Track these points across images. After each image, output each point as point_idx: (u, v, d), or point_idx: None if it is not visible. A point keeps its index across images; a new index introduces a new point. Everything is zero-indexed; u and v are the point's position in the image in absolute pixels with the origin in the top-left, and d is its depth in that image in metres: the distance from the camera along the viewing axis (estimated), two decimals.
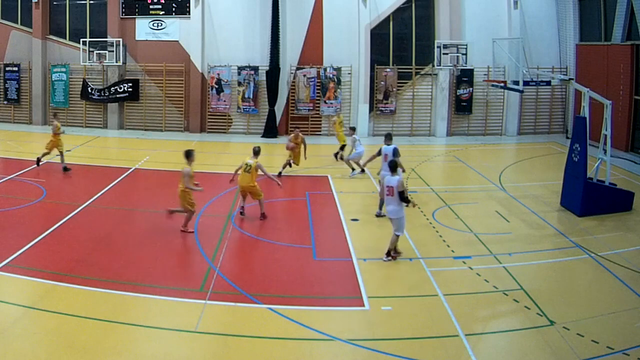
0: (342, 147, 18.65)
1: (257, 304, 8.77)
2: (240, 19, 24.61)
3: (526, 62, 15.46)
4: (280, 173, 16.58)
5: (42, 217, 12.76)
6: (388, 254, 10.58)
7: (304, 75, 24.20)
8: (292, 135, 17.16)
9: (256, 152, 12.85)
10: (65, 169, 16.89)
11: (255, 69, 24.16)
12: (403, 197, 10.35)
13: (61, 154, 17.00)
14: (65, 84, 25.32)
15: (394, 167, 10.66)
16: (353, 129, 17.72)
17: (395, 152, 13.19)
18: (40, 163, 17.07)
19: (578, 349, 7.52)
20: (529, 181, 17.03)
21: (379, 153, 13.60)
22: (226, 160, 19.22)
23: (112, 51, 24.26)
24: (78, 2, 25.55)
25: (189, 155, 11.85)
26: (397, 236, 10.51)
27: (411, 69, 24.80)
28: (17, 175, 16.12)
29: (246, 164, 12.55)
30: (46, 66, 25.53)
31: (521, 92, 16.02)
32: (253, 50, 24.31)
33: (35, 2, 24.90)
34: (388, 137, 13.84)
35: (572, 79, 17.44)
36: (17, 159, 18.62)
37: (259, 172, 12.60)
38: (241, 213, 13.08)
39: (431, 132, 24.75)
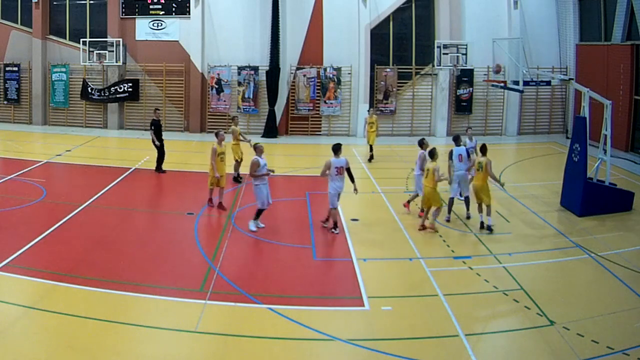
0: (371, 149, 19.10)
1: (257, 304, 8.77)
2: (240, 19, 24.59)
3: (526, 62, 15.44)
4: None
5: (42, 217, 12.74)
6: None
7: (304, 75, 24.19)
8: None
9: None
10: (237, 179, 15.97)
11: (255, 69, 24.15)
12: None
13: (237, 162, 16.10)
14: (65, 84, 25.30)
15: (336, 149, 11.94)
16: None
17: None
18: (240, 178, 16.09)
19: (578, 349, 7.51)
20: (529, 181, 17.01)
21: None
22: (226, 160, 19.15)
23: (112, 51, 24.23)
24: (78, 2, 25.54)
25: (433, 154, 12.16)
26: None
27: (411, 69, 24.78)
28: (17, 175, 16.12)
29: (478, 163, 12.41)
30: (46, 66, 25.51)
31: (521, 92, 16.01)
32: (253, 50, 24.30)
33: (35, 2, 24.88)
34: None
35: (572, 79, 17.44)
36: (17, 159, 18.63)
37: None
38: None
39: (431, 132, 24.69)
